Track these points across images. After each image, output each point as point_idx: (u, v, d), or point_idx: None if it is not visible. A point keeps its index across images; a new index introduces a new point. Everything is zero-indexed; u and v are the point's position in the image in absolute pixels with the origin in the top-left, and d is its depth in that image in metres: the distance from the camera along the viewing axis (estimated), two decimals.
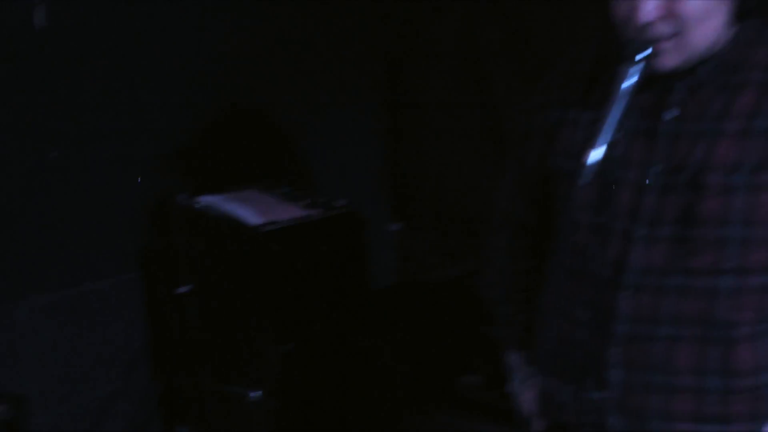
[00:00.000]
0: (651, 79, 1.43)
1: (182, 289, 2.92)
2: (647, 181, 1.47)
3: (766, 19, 1.49)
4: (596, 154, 1.35)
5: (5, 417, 2.26)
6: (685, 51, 1.43)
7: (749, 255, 1.43)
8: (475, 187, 3.13)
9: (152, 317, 3.06)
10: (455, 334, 3.39)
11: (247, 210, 2.87)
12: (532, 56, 3.30)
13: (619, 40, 1.45)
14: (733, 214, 1.42)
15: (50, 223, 2.81)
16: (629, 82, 1.39)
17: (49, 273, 2.82)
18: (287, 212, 2.93)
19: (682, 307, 1.46)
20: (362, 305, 3.16)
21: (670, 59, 1.43)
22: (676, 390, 1.48)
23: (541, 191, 1.67)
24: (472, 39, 3.49)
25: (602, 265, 1.49)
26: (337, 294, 3.06)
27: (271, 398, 2.88)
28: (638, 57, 1.39)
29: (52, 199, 2.81)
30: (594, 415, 1.53)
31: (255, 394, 2.86)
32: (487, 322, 1.94)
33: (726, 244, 1.43)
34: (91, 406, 2.95)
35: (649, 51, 1.39)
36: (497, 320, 1.85)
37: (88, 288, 2.93)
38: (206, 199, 2.94)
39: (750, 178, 1.41)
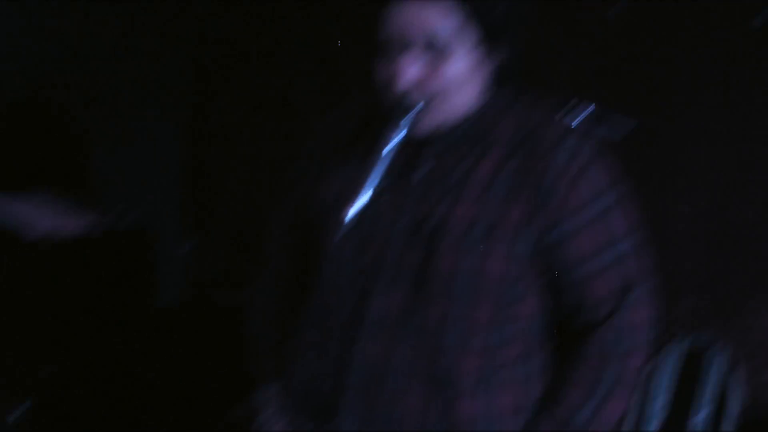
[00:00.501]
0: (408, 141, 1.49)
1: None
2: (392, 235, 1.53)
3: (519, 88, 1.58)
4: (351, 213, 1.42)
5: None
6: (440, 116, 1.49)
7: (473, 314, 1.50)
8: (269, 211, 3.07)
9: None
10: (230, 362, 3.30)
11: (23, 219, 2.66)
12: (336, 84, 3.32)
13: (381, 102, 1.50)
14: (461, 275, 1.48)
15: None
16: (390, 144, 1.45)
17: None
18: (67, 224, 2.74)
19: (411, 360, 1.52)
20: (141, 327, 3.02)
21: (427, 123, 1.49)
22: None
23: (304, 236, 1.70)
24: (278, 60, 3.48)
25: (342, 315, 1.55)
26: (116, 314, 2.91)
27: (30, 423, 2.69)
28: (400, 122, 1.45)
29: None
30: None
31: (11, 418, 2.66)
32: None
33: (453, 301, 1.49)
34: None
35: (409, 118, 1.45)
36: (256, 352, 1.85)
37: None
38: None
39: (479, 244, 1.48)
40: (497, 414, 1.55)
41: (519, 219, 1.49)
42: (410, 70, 1.43)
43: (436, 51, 1.42)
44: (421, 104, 1.46)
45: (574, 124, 1.57)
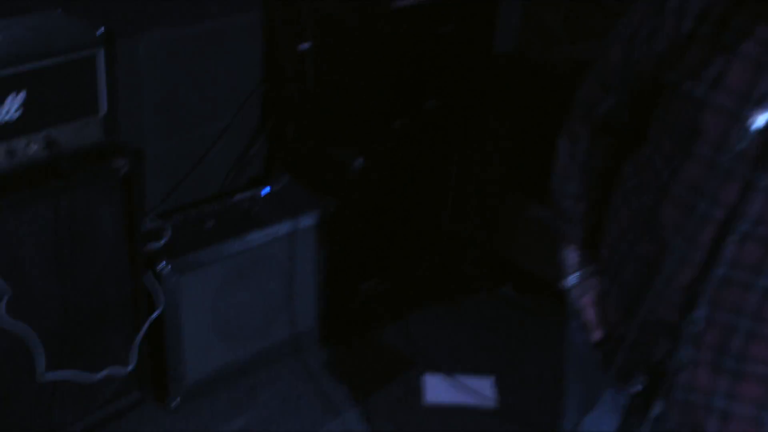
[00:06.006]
0: None
1: (303, 46, 2.87)
2: None
3: None
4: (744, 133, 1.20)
5: (124, 171, 2.31)
6: None
7: None
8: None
9: (269, 64, 3.04)
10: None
11: None
12: None
13: None
14: None
15: None
16: None
17: (173, 8, 2.77)
18: None
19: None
20: (483, 81, 3.09)
21: None
22: (759, 336, 1.41)
23: (640, 91, 1.51)
24: None
25: (714, 205, 1.36)
26: (458, 70, 2.99)
27: (373, 170, 2.92)
28: None
29: None
30: (666, 339, 1.44)
31: (358, 162, 2.89)
32: None
33: None
34: (201, 140, 3.02)
35: None
36: (561, 214, 1.72)
37: (210, 25, 2.89)
38: None
39: None
40: None
41: None
42: None
43: None
44: None
45: None
